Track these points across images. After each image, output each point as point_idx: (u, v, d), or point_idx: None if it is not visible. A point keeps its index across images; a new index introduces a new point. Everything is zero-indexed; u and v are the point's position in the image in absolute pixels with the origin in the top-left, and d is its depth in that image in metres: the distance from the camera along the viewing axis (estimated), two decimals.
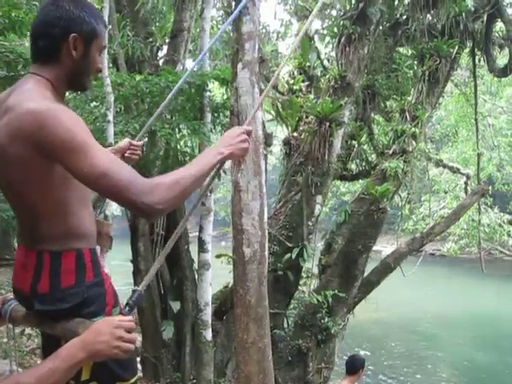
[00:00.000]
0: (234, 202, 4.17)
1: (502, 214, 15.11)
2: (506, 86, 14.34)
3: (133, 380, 2.17)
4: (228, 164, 4.60)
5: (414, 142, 7.99)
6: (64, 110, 1.76)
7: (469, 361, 15.45)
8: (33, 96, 1.77)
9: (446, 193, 14.84)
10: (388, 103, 9.31)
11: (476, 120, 10.82)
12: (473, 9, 8.66)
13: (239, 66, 4.13)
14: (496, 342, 17.26)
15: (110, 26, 6.95)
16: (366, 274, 8.00)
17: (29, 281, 1.94)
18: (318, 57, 10.15)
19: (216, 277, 7.20)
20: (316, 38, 10.62)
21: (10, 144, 1.74)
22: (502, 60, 10.53)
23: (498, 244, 15.09)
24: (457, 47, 8.54)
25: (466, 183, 12.89)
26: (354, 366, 6.14)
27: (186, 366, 7.43)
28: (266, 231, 4.35)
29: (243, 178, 4.02)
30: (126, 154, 2.52)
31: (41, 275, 1.92)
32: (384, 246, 13.02)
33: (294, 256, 7.15)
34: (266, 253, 4.38)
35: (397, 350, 15.71)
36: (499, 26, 9.87)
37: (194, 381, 7.17)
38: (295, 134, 8.63)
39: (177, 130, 6.90)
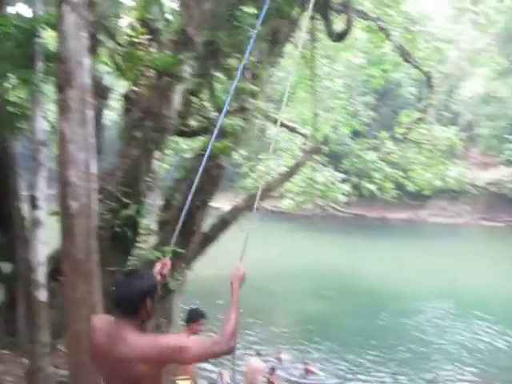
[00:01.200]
0: (59, 153, 3.95)
1: (336, 173, 15.88)
2: (342, 51, 15.00)
3: None
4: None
5: (253, 101, 8.13)
6: (161, 335, 3.07)
7: (302, 312, 16.47)
8: (142, 338, 2.85)
9: (283, 151, 15.33)
10: (229, 60, 9.32)
11: (313, 82, 11.23)
12: None
13: (66, 8, 3.85)
14: (327, 292, 18.55)
15: None
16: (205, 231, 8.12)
17: None
18: (161, 10, 9.85)
19: (53, 237, 6.86)
20: None
21: (136, 364, 2.78)
22: (339, 25, 11.00)
23: (332, 201, 15.96)
24: (298, 10, 8.77)
25: (304, 143, 13.44)
26: (190, 316, 6.45)
27: (20, 330, 7.08)
28: (95, 184, 4.19)
29: (69, 128, 3.80)
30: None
31: None
32: (224, 203, 13.26)
33: (131, 212, 7.01)
34: (95, 206, 4.22)
35: None
36: None
37: (30, 345, 6.85)
38: (135, 89, 8.35)
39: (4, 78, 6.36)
